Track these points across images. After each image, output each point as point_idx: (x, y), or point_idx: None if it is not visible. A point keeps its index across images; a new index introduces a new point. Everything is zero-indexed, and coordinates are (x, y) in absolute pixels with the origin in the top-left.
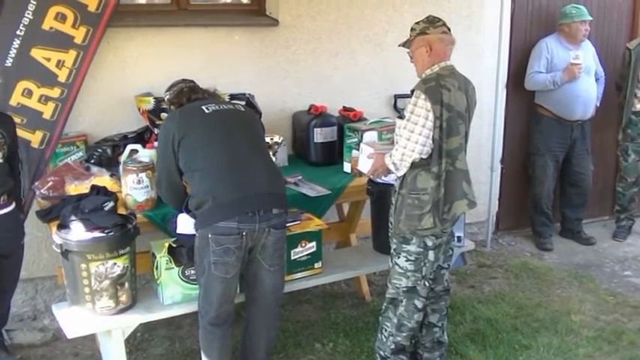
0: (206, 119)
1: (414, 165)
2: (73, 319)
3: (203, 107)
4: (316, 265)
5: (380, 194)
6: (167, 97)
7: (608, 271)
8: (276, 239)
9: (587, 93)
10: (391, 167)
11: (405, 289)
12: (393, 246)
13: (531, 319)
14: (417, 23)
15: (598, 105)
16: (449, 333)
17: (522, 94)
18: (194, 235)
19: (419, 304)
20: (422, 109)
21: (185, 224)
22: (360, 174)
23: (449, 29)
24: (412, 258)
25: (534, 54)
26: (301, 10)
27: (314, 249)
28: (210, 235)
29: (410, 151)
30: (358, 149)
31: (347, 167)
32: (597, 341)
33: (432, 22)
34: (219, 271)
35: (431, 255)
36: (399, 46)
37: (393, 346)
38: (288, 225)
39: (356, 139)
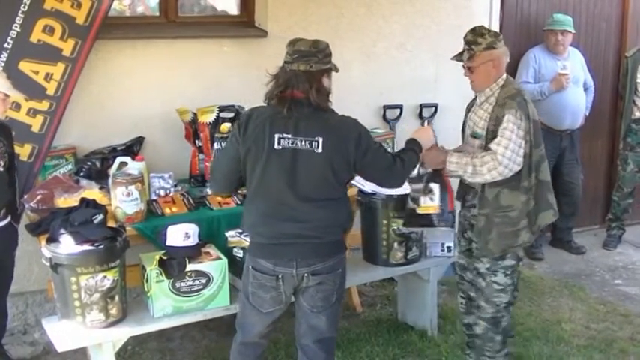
0: (273, 154)
1: (495, 183)
2: (64, 333)
3: (276, 137)
4: None
5: (370, 205)
6: (287, 59)
7: (599, 279)
8: (317, 283)
9: (575, 103)
10: (472, 174)
11: (505, 304)
12: (486, 265)
13: (522, 328)
14: (483, 37)
15: (587, 114)
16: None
17: None
18: (184, 247)
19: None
20: (520, 126)
21: (175, 236)
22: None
23: None
24: (509, 272)
25: (522, 64)
26: (290, 21)
27: None
28: (250, 267)
29: (517, 165)
30: None
31: None
32: (588, 350)
33: (496, 35)
34: (255, 302)
35: (519, 264)
36: (452, 59)
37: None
38: None
39: None
